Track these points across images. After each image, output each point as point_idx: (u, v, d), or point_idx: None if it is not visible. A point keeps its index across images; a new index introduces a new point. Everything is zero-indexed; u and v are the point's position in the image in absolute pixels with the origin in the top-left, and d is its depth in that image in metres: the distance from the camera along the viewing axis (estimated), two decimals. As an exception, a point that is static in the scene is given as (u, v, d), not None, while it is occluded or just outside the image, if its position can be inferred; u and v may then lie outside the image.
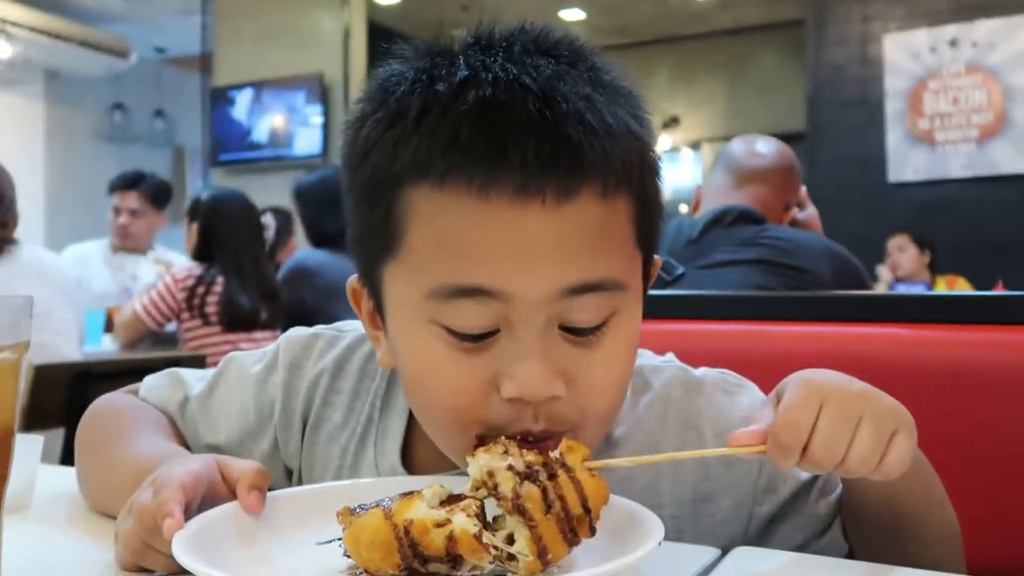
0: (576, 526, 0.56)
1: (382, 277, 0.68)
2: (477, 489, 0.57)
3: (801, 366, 1.21)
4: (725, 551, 0.67)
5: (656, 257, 0.74)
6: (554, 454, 0.58)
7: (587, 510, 0.56)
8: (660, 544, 0.55)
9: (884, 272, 5.02)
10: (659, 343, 0.91)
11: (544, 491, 0.56)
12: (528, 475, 0.56)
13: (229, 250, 3.05)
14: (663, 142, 8.74)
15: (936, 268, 5.10)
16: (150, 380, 0.91)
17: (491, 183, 0.60)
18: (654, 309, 1.44)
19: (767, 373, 1.20)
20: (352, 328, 0.86)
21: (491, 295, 0.61)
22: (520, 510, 0.55)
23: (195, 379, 0.89)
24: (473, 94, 0.61)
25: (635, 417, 0.78)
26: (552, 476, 0.56)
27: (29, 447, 0.84)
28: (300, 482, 0.85)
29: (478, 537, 0.54)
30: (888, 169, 6.05)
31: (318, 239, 3.23)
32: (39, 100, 7.65)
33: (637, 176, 0.66)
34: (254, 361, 0.87)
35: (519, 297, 0.61)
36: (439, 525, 0.54)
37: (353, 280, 0.76)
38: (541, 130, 0.60)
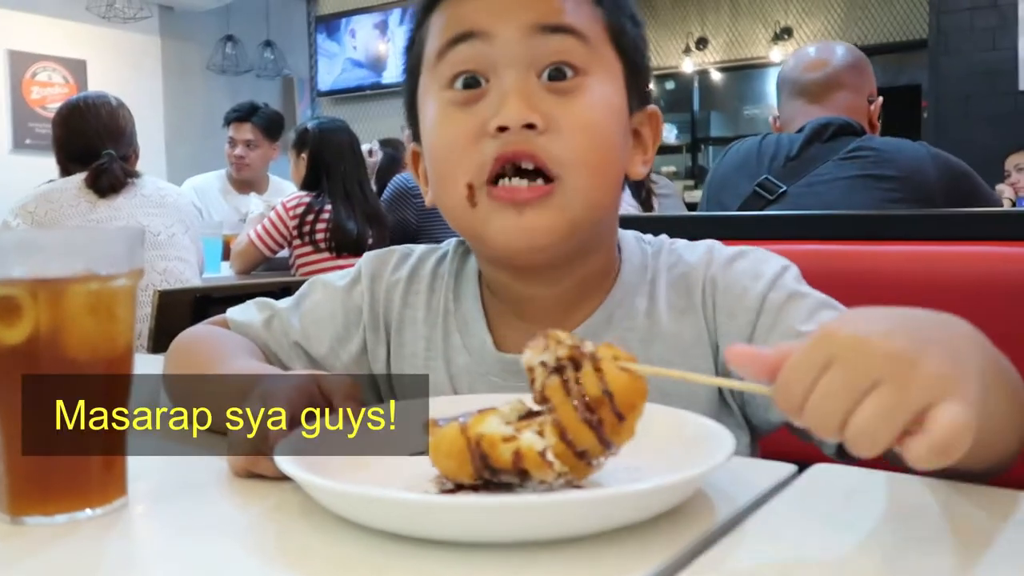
0: (596, 407, 0.56)
1: (418, 99, 0.84)
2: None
3: (910, 288, 1.19)
4: (802, 467, 0.68)
5: (653, 106, 0.87)
6: (588, 348, 0.59)
7: (609, 395, 0.56)
8: (728, 459, 0.57)
9: (1006, 191, 4.72)
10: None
11: (566, 381, 0.58)
12: (556, 368, 0.58)
13: (336, 177, 3.16)
14: (774, 54, 8.37)
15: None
16: (235, 307, 0.97)
17: None
18: (755, 229, 1.43)
19: (876, 296, 1.18)
20: (423, 247, 0.98)
21: (477, 36, 0.76)
22: (543, 399, 0.58)
23: (280, 302, 0.96)
24: None
25: (673, 297, 0.85)
26: (579, 367, 0.58)
27: (150, 367, 0.92)
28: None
29: (542, 454, 0.57)
30: (1020, 77, 5.65)
31: None
32: (155, 35, 7.92)
33: None
34: (338, 278, 0.95)
35: (499, 34, 0.75)
36: (506, 440, 0.57)
37: (411, 145, 0.90)
38: None
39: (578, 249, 0.81)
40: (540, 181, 0.76)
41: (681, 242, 0.90)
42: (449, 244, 0.96)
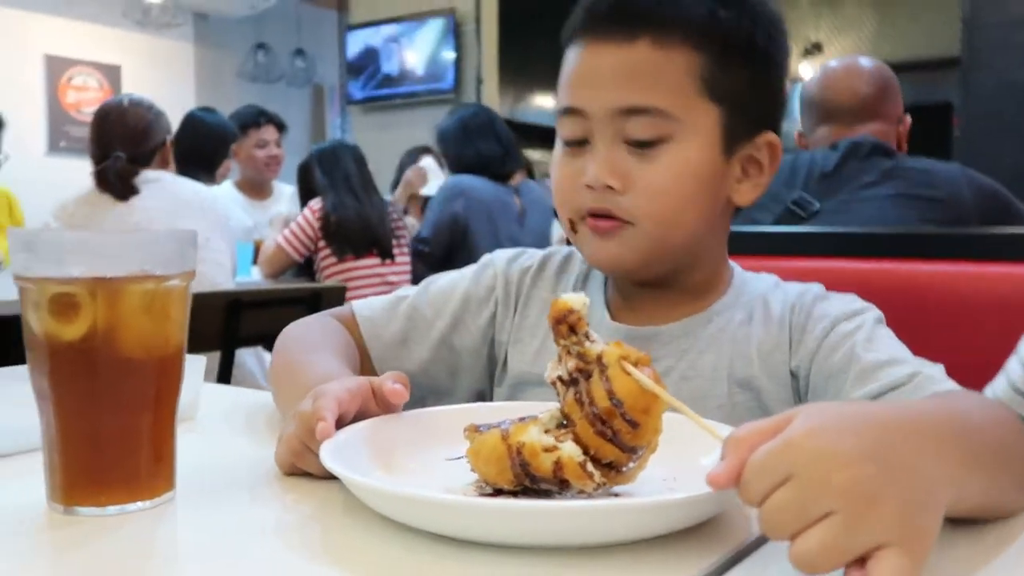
0: (608, 419, 0.57)
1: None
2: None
3: (942, 306, 1.19)
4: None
5: (771, 135, 0.92)
6: (595, 348, 0.60)
7: (619, 403, 0.57)
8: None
9: None
10: (796, 280, 0.97)
11: (579, 395, 0.59)
12: (572, 380, 0.60)
13: (336, 184, 3.25)
14: (803, 70, 8.34)
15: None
16: (361, 300, 1.05)
17: (587, 33, 0.89)
18: (789, 246, 1.43)
19: (915, 314, 1.19)
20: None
21: (577, 112, 0.89)
22: (566, 417, 0.60)
23: (407, 289, 1.06)
24: None
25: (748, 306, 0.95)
26: (589, 377, 0.59)
27: (194, 366, 0.93)
28: (504, 357, 1.02)
29: (583, 465, 0.58)
30: (1054, 95, 5.59)
31: (460, 169, 3.48)
32: (189, 42, 8.02)
33: (704, 40, 0.86)
34: (465, 268, 1.06)
35: (592, 113, 0.87)
36: (547, 450, 0.58)
37: None
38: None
39: (670, 269, 0.93)
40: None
41: (789, 283, 0.98)
42: None
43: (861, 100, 1.94)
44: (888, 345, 0.85)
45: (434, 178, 4.05)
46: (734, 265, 1.00)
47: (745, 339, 0.92)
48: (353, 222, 3.19)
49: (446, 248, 3.39)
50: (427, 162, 4.28)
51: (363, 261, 3.23)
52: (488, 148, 3.43)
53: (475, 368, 1.03)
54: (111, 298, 0.61)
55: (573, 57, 0.91)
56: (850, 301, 0.92)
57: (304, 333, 0.99)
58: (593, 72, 0.88)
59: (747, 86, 0.89)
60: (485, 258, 1.08)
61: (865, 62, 2.02)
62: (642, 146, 0.86)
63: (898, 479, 0.48)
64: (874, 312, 0.90)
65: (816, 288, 0.95)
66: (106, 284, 0.61)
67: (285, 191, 4.13)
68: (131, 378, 0.62)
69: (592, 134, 0.88)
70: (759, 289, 0.97)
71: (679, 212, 0.88)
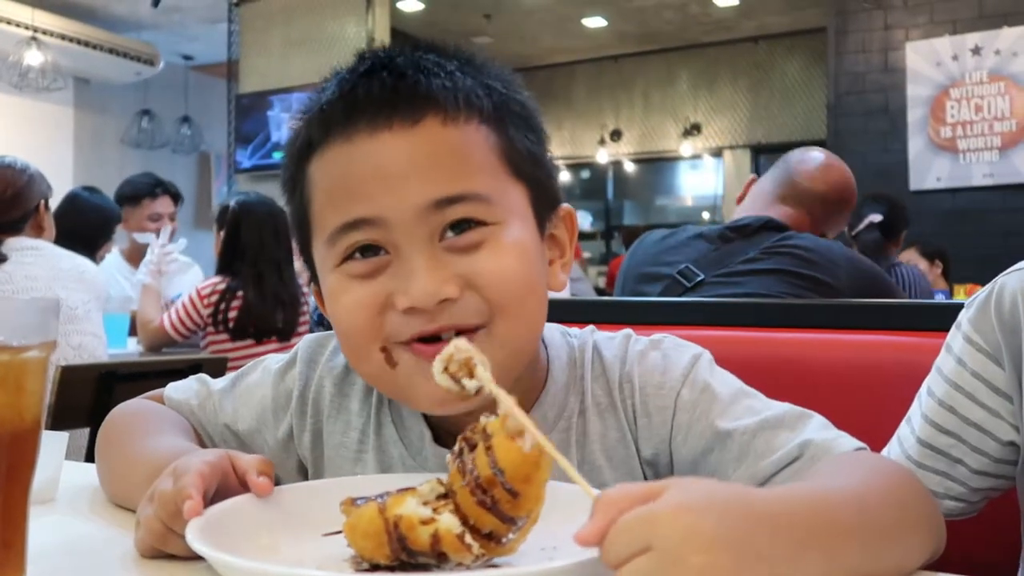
0: (488, 487, 0.56)
1: (313, 258, 0.80)
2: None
3: (817, 373, 1.25)
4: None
5: (565, 205, 0.84)
6: (483, 422, 0.59)
7: (500, 472, 0.56)
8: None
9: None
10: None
11: (462, 464, 0.58)
12: (460, 452, 0.60)
13: (249, 258, 3.10)
14: (684, 148, 8.73)
15: (951, 277, 5.05)
16: (175, 383, 0.96)
17: (351, 127, 0.73)
18: (672, 315, 1.48)
19: (784, 380, 1.23)
20: None
21: (371, 223, 0.72)
22: (448, 486, 0.59)
23: (219, 381, 0.95)
24: (342, 78, 0.76)
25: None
26: (474, 447, 0.58)
27: (54, 443, 0.88)
28: (315, 473, 0.89)
29: (461, 537, 0.57)
30: (910, 177, 6.03)
31: None
32: (69, 106, 7.79)
33: (491, 113, 0.76)
34: (277, 360, 0.93)
35: (393, 218, 0.72)
36: (424, 522, 0.57)
37: (313, 287, 0.85)
38: (383, 76, 0.74)
39: None
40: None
41: (601, 335, 0.88)
42: None
43: (808, 185, 2.01)
44: (744, 404, 0.78)
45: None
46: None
47: (588, 437, 0.82)
48: (263, 309, 3.07)
49: None
50: None
51: (252, 345, 3.13)
52: None
53: (286, 477, 0.88)
54: (-40, 370, 0.57)
55: (339, 160, 0.74)
56: (676, 353, 0.83)
57: (137, 413, 0.91)
58: (381, 168, 0.72)
59: (536, 159, 0.80)
60: (296, 348, 0.91)
61: (843, 174, 2.08)
62: (464, 231, 0.73)
63: (753, 570, 0.50)
64: (704, 357, 0.82)
65: (631, 342, 0.85)
66: (-45, 356, 0.57)
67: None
68: (-20, 456, 0.58)
69: (395, 244, 0.72)
70: (580, 354, 0.85)
71: (531, 298, 0.76)
